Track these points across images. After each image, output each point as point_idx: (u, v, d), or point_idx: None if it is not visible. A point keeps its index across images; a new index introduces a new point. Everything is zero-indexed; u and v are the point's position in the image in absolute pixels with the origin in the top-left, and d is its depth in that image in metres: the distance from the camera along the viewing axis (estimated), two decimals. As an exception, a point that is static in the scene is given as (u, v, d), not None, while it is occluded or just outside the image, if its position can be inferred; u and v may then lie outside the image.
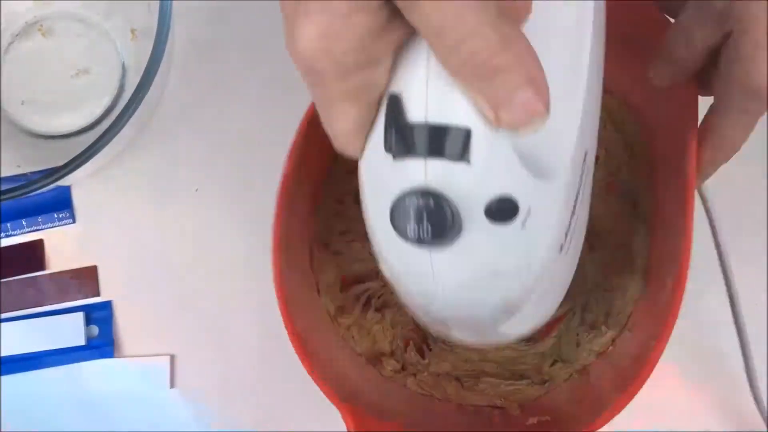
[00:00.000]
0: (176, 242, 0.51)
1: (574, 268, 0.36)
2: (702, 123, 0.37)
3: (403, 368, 0.47)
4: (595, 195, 0.48)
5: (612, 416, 0.38)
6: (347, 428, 0.39)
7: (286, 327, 0.40)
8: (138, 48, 0.50)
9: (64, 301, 0.51)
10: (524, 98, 0.26)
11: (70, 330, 0.50)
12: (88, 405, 0.50)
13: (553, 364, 0.46)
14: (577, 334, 0.46)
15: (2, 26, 0.51)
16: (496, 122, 0.27)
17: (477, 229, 0.28)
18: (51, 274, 0.51)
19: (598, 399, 0.41)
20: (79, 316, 0.50)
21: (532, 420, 0.44)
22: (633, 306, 0.45)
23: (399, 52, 0.28)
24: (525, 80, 0.26)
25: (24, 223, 0.51)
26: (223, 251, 0.51)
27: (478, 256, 0.29)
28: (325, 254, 0.47)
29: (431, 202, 0.27)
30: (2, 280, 0.51)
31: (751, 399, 0.46)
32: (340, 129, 0.29)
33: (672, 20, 0.38)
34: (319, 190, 0.46)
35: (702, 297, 0.47)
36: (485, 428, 0.45)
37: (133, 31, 0.51)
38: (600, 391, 0.43)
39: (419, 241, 0.28)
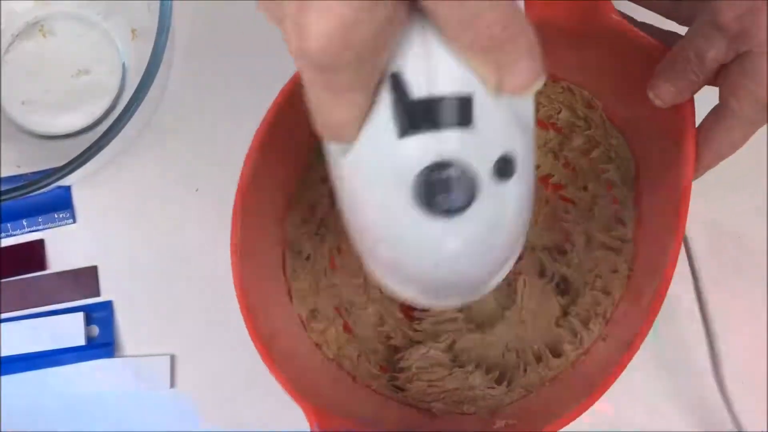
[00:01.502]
0: (176, 242, 0.51)
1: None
2: (702, 128, 0.39)
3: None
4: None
5: (575, 417, 0.39)
6: (310, 427, 0.39)
7: (249, 332, 0.40)
8: (138, 48, 0.50)
9: (64, 301, 0.51)
10: (528, 64, 0.27)
11: (70, 330, 0.50)
12: (88, 405, 0.50)
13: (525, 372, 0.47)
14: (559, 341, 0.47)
15: (2, 26, 0.51)
16: (498, 87, 0.28)
17: (486, 190, 0.29)
18: (51, 274, 0.51)
19: (566, 404, 0.42)
20: (79, 316, 0.50)
21: (500, 423, 0.44)
22: (611, 314, 0.45)
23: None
24: (527, 48, 0.27)
25: (24, 223, 0.51)
26: (223, 251, 0.51)
27: (488, 215, 0.30)
28: (297, 261, 0.47)
29: (453, 171, 0.28)
30: (2, 280, 0.51)
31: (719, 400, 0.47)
32: (343, 119, 0.29)
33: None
34: (292, 197, 0.47)
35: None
36: None
37: (133, 31, 0.51)
38: (570, 397, 0.43)
39: (447, 212, 0.29)
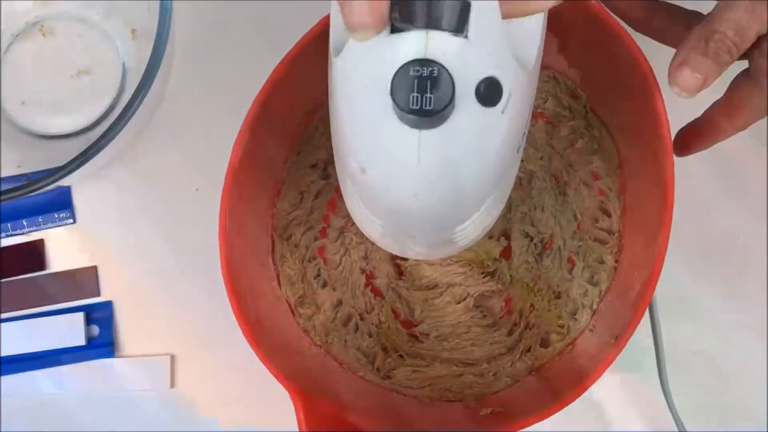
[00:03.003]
0: (176, 242, 0.51)
1: (513, 180, 0.36)
2: (732, 95, 0.38)
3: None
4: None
5: (560, 408, 0.40)
6: (296, 412, 0.39)
7: (238, 318, 0.40)
8: (138, 48, 0.50)
9: (64, 301, 0.51)
10: None
11: (70, 330, 0.50)
12: (88, 405, 0.50)
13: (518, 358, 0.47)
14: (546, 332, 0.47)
15: (2, 26, 0.51)
16: None
17: (465, 109, 0.28)
18: (51, 274, 0.51)
19: (552, 394, 0.42)
20: (79, 316, 0.50)
21: (485, 411, 0.44)
22: (597, 305, 0.45)
23: None
24: None
25: (24, 223, 0.51)
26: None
27: (463, 138, 0.29)
28: (286, 246, 0.47)
29: (435, 71, 0.28)
30: (2, 280, 0.51)
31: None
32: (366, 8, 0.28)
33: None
34: (280, 183, 0.47)
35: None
36: (442, 421, 0.45)
37: (133, 31, 0.51)
38: (555, 388, 0.43)
39: (419, 112, 0.28)
